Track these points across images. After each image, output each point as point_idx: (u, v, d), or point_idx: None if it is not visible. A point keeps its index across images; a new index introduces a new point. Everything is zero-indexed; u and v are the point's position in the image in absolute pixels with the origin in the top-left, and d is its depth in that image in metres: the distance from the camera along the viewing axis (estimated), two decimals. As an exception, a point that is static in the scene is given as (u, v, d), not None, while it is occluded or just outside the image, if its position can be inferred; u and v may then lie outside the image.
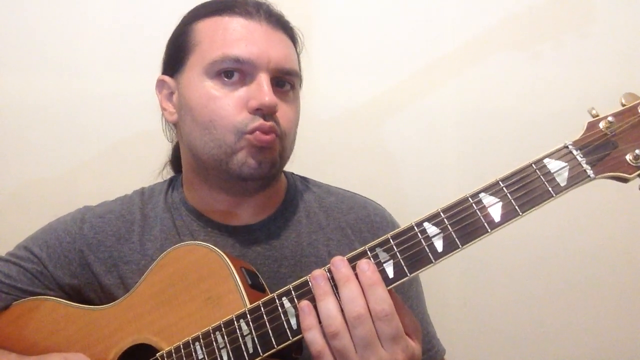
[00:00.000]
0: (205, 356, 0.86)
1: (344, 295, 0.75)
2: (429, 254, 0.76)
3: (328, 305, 0.76)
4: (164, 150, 1.24)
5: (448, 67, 1.52)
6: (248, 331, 0.83)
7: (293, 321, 0.80)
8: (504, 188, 0.75)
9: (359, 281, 0.76)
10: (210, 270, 0.92)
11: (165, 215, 1.11)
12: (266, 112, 0.96)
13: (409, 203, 1.55)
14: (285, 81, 1.02)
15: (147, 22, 1.49)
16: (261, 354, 0.81)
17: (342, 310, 0.75)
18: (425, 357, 1.05)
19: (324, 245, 1.09)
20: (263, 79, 0.96)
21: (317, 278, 0.78)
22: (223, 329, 0.85)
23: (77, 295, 1.09)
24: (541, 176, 0.74)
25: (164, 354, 0.90)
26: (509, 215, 0.74)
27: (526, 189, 0.74)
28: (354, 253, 0.79)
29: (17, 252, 1.11)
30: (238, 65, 0.97)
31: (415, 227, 0.77)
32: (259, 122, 0.96)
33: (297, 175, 1.20)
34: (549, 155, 0.75)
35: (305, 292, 0.80)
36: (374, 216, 1.14)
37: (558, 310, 1.56)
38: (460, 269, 1.58)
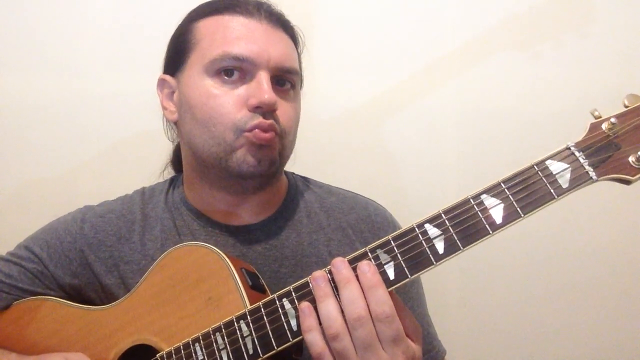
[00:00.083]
0: (206, 357, 0.86)
1: (345, 297, 0.75)
2: (430, 255, 0.75)
3: (328, 306, 0.76)
4: (165, 150, 1.24)
5: (448, 67, 1.52)
6: (248, 332, 0.82)
7: (293, 322, 0.80)
8: (505, 189, 0.74)
9: (359, 283, 0.76)
10: (210, 270, 0.92)
11: (165, 215, 1.11)
12: (266, 110, 0.96)
13: (409, 203, 1.55)
14: (285, 80, 1.03)
15: (147, 22, 1.49)
16: (261, 355, 0.81)
17: (342, 312, 0.75)
18: (425, 358, 1.05)
19: (324, 245, 1.09)
20: (263, 77, 0.97)
21: (318, 279, 0.78)
22: (223, 329, 0.85)
23: (77, 295, 1.09)
24: (543, 178, 0.73)
25: (164, 355, 0.90)
26: (510, 217, 0.73)
27: (528, 191, 0.73)
28: (354, 254, 0.79)
29: (18, 252, 1.11)
30: (238, 63, 0.97)
31: (416, 229, 0.77)
32: (258, 120, 0.96)
33: (298, 175, 1.20)
34: (551, 157, 0.74)
35: (306, 293, 0.80)
36: (375, 216, 1.14)
37: (558, 310, 1.56)
38: (460, 269, 1.58)
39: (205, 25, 1.02)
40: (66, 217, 1.14)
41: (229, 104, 0.97)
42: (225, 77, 0.98)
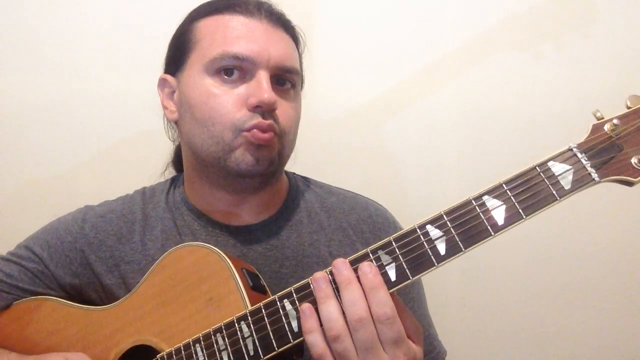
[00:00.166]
0: (206, 358, 0.85)
1: (346, 298, 0.75)
2: (432, 257, 0.75)
3: (329, 308, 0.76)
4: (165, 150, 1.24)
5: (449, 67, 1.51)
6: (249, 333, 0.82)
7: (294, 324, 0.79)
8: (507, 191, 0.74)
9: (360, 284, 0.75)
10: (211, 271, 0.92)
11: (166, 215, 1.11)
12: (265, 110, 0.96)
13: (409, 203, 1.55)
14: (285, 79, 1.03)
15: (147, 22, 1.49)
16: (262, 356, 0.81)
17: (343, 313, 0.75)
18: (426, 359, 1.05)
19: (325, 245, 1.09)
20: (262, 77, 0.97)
21: (319, 280, 0.78)
22: (224, 330, 0.85)
23: (78, 294, 1.09)
24: (545, 179, 0.73)
25: (165, 356, 0.90)
26: (512, 218, 0.73)
27: (530, 192, 0.73)
28: (355, 255, 0.79)
29: (18, 252, 1.11)
30: (238, 62, 0.97)
31: (417, 230, 0.77)
32: (257, 120, 0.96)
33: (298, 175, 1.20)
34: (553, 158, 0.74)
35: (307, 294, 0.80)
36: (375, 217, 1.14)
37: (558, 310, 1.56)
38: (460, 269, 1.57)
39: (205, 25, 1.02)
40: (67, 217, 1.14)
41: (228, 104, 0.97)
42: (225, 77, 0.98)
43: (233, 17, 1.01)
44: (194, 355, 0.87)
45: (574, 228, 1.52)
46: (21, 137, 1.51)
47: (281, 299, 0.81)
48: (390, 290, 0.76)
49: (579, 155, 0.73)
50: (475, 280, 1.57)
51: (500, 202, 0.74)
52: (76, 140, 1.52)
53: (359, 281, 0.76)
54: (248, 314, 0.83)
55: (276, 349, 0.80)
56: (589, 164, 0.73)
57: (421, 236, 0.76)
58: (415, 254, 0.76)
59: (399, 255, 0.77)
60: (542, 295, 1.56)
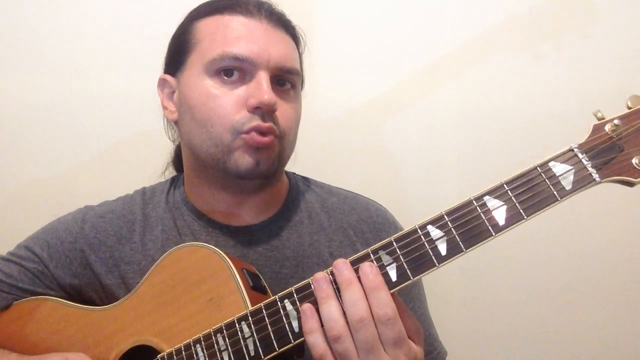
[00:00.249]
0: (207, 358, 0.85)
1: (347, 299, 0.75)
2: (433, 257, 0.75)
3: (330, 308, 0.76)
4: (165, 150, 1.24)
5: (449, 67, 1.51)
6: (249, 333, 0.82)
7: (295, 324, 0.79)
8: (508, 191, 0.74)
9: (361, 284, 0.75)
10: (211, 271, 0.92)
11: (166, 215, 1.10)
12: (265, 111, 0.96)
13: (409, 203, 1.55)
14: (285, 80, 1.02)
15: (147, 22, 1.49)
16: (263, 356, 0.81)
17: (344, 314, 0.75)
18: (427, 359, 1.05)
19: (325, 246, 1.09)
20: (262, 77, 0.96)
21: (320, 281, 0.78)
22: (224, 331, 0.85)
23: (78, 295, 1.09)
24: (546, 179, 0.73)
25: (165, 356, 0.90)
26: (513, 218, 0.73)
27: (531, 193, 0.73)
28: (356, 256, 0.78)
29: (18, 252, 1.11)
30: (237, 63, 0.97)
31: (418, 230, 0.77)
32: (256, 122, 0.96)
33: (298, 175, 1.20)
34: (554, 159, 0.74)
35: (308, 294, 0.79)
36: (376, 217, 1.14)
37: (558, 311, 1.56)
38: (460, 269, 1.57)
39: (205, 25, 1.02)
40: (66, 217, 1.14)
41: (228, 105, 0.97)
42: (225, 77, 0.98)
43: (233, 17, 1.00)
44: (194, 355, 0.87)
45: (574, 228, 1.52)
46: (21, 137, 1.51)
47: (282, 299, 0.81)
48: (391, 291, 0.76)
49: (580, 155, 0.73)
50: (475, 280, 1.57)
51: (501, 203, 0.74)
52: (76, 140, 1.52)
53: (360, 281, 0.75)
54: (249, 314, 0.83)
55: (277, 349, 0.80)
56: (590, 165, 0.73)
57: (422, 236, 0.76)
58: (416, 254, 0.76)
59: (400, 256, 0.77)
60: (542, 295, 1.56)
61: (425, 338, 1.00)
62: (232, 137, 0.96)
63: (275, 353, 0.80)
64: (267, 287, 0.93)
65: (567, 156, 0.74)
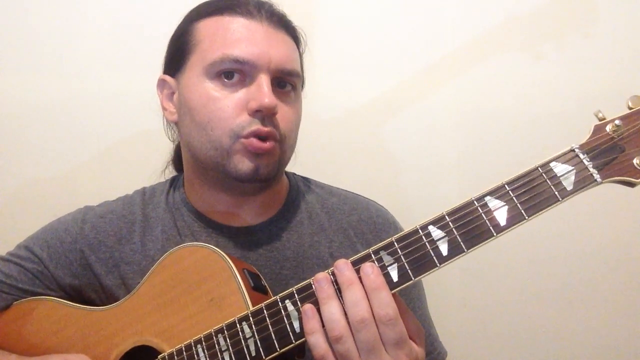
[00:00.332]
0: (208, 358, 0.85)
1: (348, 299, 0.75)
2: (434, 257, 0.75)
3: (331, 308, 0.76)
4: (165, 150, 1.24)
5: (449, 67, 1.51)
6: (250, 334, 0.82)
7: (296, 324, 0.79)
8: (509, 192, 0.74)
9: (362, 285, 0.75)
10: (212, 271, 0.92)
11: (166, 215, 1.10)
12: (266, 114, 0.95)
13: (410, 203, 1.55)
14: (286, 82, 1.02)
15: (147, 22, 1.48)
16: (264, 357, 0.81)
17: (345, 314, 0.75)
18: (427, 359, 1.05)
19: (326, 246, 1.09)
20: (263, 80, 0.96)
21: (321, 281, 0.78)
22: (225, 331, 0.85)
23: (77, 295, 1.09)
24: (547, 180, 0.73)
25: (166, 356, 0.90)
26: (514, 219, 0.73)
27: (532, 193, 0.73)
28: (357, 256, 0.79)
29: (18, 252, 1.10)
30: (238, 66, 0.96)
31: (420, 231, 0.77)
32: (256, 126, 0.95)
33: (299, 175, 1.20)
34: (555, 159, 0.74)
35: (309, 295, 0.79)
36: (376, 217, 1.14)
37: (558, 311, 1.56)
38: (460, 269, 1.57)
39: (205, 26, 1.01)
40: (66, 218, 1.14)
41: (228, 108, 0.96)
42: (225, 80, 0.97)
43: (233, 18, 0.99)
44: (195, 356, 0.86)
45: (574, 228, 1.52)
46: (21, 137, 1.51)
47: (283, 299, 0.81)
48: (392, 291, 0.76)
49: (581, 156, 0.73)
50: (475, 280, 1.57)
51: (502, 203, 0.74)
52: (76, 140, 1.52)
53: (361, 282, 0.76)
54: (250, 315, 0.83)
55: (278, 349, 0.80)
56: (591, 165, 0.73)
57: (423, 237, 0.76)
58: (417, 255, 0.76)
59: (401, 256, 0.77)
60: (542, 295, 1.56)
61: (425, 338, 1.00)
62: (232, 141, 0.96)
63: (277, 353, 0.80)
64: (267, 287, 0.93)
65: (568, 156, 0.74)
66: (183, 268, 0.95)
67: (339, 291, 0.77)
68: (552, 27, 1.47)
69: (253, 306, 0.84)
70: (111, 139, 1.53)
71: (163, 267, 0.98)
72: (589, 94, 1.43)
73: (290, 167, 1.11)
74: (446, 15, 1.50)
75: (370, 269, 0.76)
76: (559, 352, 1.57)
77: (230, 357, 0.83)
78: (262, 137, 0.96)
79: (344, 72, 1.53)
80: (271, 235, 1.08)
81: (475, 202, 0.75)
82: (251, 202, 1.07)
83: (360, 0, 1.52)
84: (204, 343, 0.86)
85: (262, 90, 0.95)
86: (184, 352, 0.88)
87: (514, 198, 0.74)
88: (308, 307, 0.77)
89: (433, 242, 0.76)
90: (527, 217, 0.73)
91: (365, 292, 0.75)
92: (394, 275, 0.76)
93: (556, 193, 0.73)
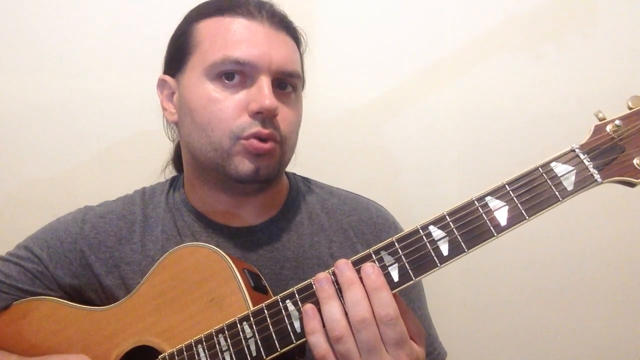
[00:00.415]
0: (208, 359, 0.85)
1: (348, 299, 0.75)
2: (435, 257, 0.75)
3: (332, 308, 0.76)
4: (165, 150, 1.24)
5: (449, 67, 1.52)
6: (251, 334, 0.82)
7: (297, 324, 0.79)
8: (510, 192, 0.74)
9: (363, 285, 0.75)
10: (212, 271, 0.92)
11: (166, 215, 1.10)
12: (266, 116, 0.95)
13: (410, 203, 1.55)
14: (287, 83, 1.01)
15: (147, 22, 1.48)
16: (264, 357, 0.81)
17: (346, 314, 0.75)
18: (427, 360, 1.05)
19: (326, 247, 1.09)
20: (264, 82, 0.95)
21: (321, 281, 0.78)
22: (226, 331, 0.85)
23: (77, 295, 1.08)
24: (548, 180, 0.73)
25: (167, 356, 0.90)
26: (515, 219, 0.73)
27: (533, 193, 0.73)
28: (358, 256, 0.79)
29: (18, 252, 1.10)
30: (239, 67, 0.96)
31: (420, 231, 0.77)
32: (256, 128, 0.95)
33: (299, 176, 1.20)
34: (555, 159, 0.74)
35: (309, 295, 0.79)
36: (376, 218, 1.14)
37: (558, 311, 1.57)
38: (460, 269, 1.58)
39: (205, 27, 1.01)
40: (66, 218, 1.13)
41: (229, 109, 0.96)
42: (226, 81, 0.97)
43: (234, 19, 0.99)
44: (196, 356, 0.87)
45: (574, 228, 1.52)
46: (21, 137, 1.51)
47: (283, 299, 0.81)
48: (393, 291, 0.76)
49: (582, 156, 0.74)
50: (475, 280, 1.58)
51: (503, 203, 0.74)
52: (76, 140, 1.52)
53: (362, 282, 0.76)
54: (250, 315, 0.83)
55: (279, 349, 0.80)
56: (592, 165, 0.73)
57: (424, 237, 0.76)
58: (418, 255, 0.76)
59: (402, 256, 0.77)
60: (542, 295, 1.56)
61: (425, 339, 1.01)
62: (232, 143, 0.96)
63: (277, 353, 0.80)
64: (268, 287, 0.93)
65: (569, 157, 0.74)
66: (183, 268, 0.95)
67: (339, 291, 0.77)
68: (552, 27, 1.47)
69: (253, 306, 0.84)
70: (111, 139, 1.53)
71: (163, 267, 0.98)
72: (589, 94, 1.43)
73: (290, 168, 1.11)
74: (446, 15, 1.50)
75: (371, 269, 0.76)
76: (559, 352, 1.57)
77: (231, 357, 0.83)
78: (262, 139, 0.96)
79: (344, 72, 1.53)
80: (271, 235, 1.08)
81: (475, 202, 0.75)
82: (251, 202, 1.07)
83: (360, 0, 1.52)
84: (204, 343, 0.86)
85: (262, 92, 0.94)
86: (185, 352, 0.88)
87: (514, 198, 0.74)
88: (309, 307, 0.77)
89: (434, 242, 0.76)
90: (527, 217, 0.73)
91: (366, 292, 0.75)
92: (395, 275, 0.77)
93: (557, 193, 0.73)
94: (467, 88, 1.51)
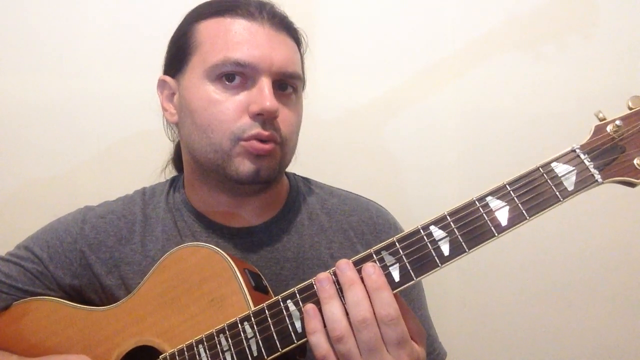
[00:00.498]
0: (209, 359, 0.85)
1: (349, 299, 0.75)
2: (436, 257, 0.75)
3: (333, 308, 0.76)
4: (165, 150, 1.24)
5: (449, 67, 1.52)
6: (252, 334, 0.82)
7: (298, 324, 0.79)
8: (511, 192, 0.74)
9: (364, 285, 0.75)
10: (213, 271, 0.92)
11: (166, 215, 1.10)
12: (267, 117, 0.95)
13: (410, 204, 1.55)
14: (287, 84, 1.01)
15: (147, 22, 1.48)
16: (265, 357, 0.81)
17: (347, 314, 0.75)
18: (427, 360, 1.05)
19: (326, 247, 1.09)
20: (264, 83, 0.95)
21: (322, 281, 0.78)
22: (227, 331, 0.85)
23: (78, 295, 1.08)
24: (548, 180, 0.74)
25: (167, 356, 0.90)
26: (516, 219, 0.74)
27: (533, 193, 0.74)
28: (359, 256, 0.79)
29: (18, 252, 1.10)
30: (239, 68, 0.96)
31: (421, 231, 0.77)
32: (257, 130, 0.95)
33: (299, 176, 1.20)
34: (556, 159, 0.75)
35: (310, 295, 0.79)
36: (376, 218, 1.14)
37: (558, 310, 1.57)
38: (460, 269, 1.58)
39: (206, 28, 1.00)
40: (66, 218, 1.13)
41: (229, 111, 0.96)
42: (227, 82, 0.97)
43: (235, 20, 0.99)
44: (197, 356, 0.86)
45: (574, 228, 1.52)
46: (21, 137, 1.51)
47: (284, 299, 0.81)
48: (394, 291, 0.76)
49: (582, 156, 0.74)
50: (475, 280, 1.58)
51: (503, 203, 0.74)
52: (76, 140, 1.52)
53: (363, 282, 0.76)
54: (251, 315, 0.83)
55: (280, 349, 0.80)
56: (592, 165, 0.73)
57: (425, 237, 0.76)
58: (418, 255, 0.76)
59: (403, 256, 0.77)
60: (542, 295, 1.56)
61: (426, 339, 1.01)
62: (232, 144, 0.96)
63: (278, 353, 0.80)
64: (268, 287, 0.93)
65: (569, 157, 0.74)
66: (184, 268, 0.95)
67: (340, 291, 0.77)
68: (552, 27, 1.47)
69: (254, 306, 0.84)
70: (111, 139, 1.53)
71: (164, 267, 0.97)
72: (589, 94, 1.44)
73: (290, 168, 1.11)
74: (446, 15, 1.50)
75: (371, 269, 0.76)
76: (559, 352, 1.57)
77: (232, 357, 0.83)
78: (262, 140, 0.96)
79: (344, 72, 1.53)
80: (271, 235, 1.08)
81: (476, 202, 0.76)
82: (251, 202, 1.07)
83: (360, 0, 1.52)
84: (205, 343, 0.86)
85: (263, 94, 0.94)
86: (186, 352, 0.88)
87: (515, 198, 0.74)
88: (310, 307, 0.77)
89: (435, 242, 0.76)
90: (528, 218, 0.73)
91: (367, 292, 0.75)
92: (396, 275, 0.77)
93: (557, 193, 0.73)
94: (467, 88, 1.51)
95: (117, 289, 1.05)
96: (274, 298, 0.82)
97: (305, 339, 0.78)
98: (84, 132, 1.52)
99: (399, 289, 0.76)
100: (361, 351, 0.74)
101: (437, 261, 0.75)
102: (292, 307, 0.80)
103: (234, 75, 0.96)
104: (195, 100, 0.98)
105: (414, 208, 1.53)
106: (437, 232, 0.76)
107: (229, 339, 0.84)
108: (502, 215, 0.74)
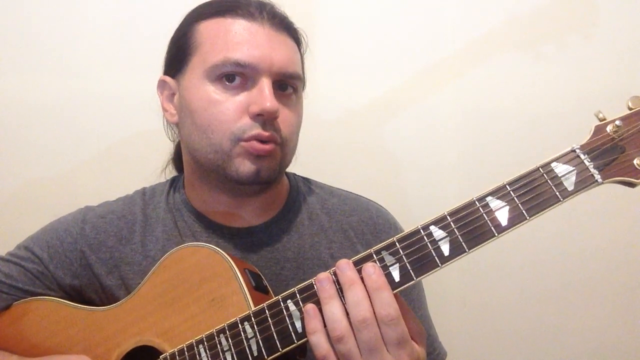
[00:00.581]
0: (210, 359, 0.85)
1: (349, 299, 0.75)
2: (436, 257, 0.75)
3: (333, 308, 0.76)
4: (165, 150, 1.24)
5: (449, 67, 1.52)
6: (252, 334, 0.82)
7: (298, 324, 0.79)
8: (511, 192, 0.74)
9: (364, 285, 0.75)
10: (213, 271, 0.92)
11: (167, 216, 1.10)
12: (267, 118, 0.95)
13: (410, 204, 1.55)
14: (287, 85, 1.01)
15: (147, 22, 1.48)
16: (266, 357, 0.81)
17: (347, 314, 0.75)
18: (427, 360, 1.05)
19: (326, 247, 1.09)
20: (265, 84, 0.95)
21: (323, 281, 0.78)
22: (227, 331, 0.85)
23: (78, 295, 1.08)
24: (548, 180, 0.74)
25: (168, 356, 0.90)
26: (516, 219, 0.74)
27: (533, 193, 0.74)
28: (359, 256, 0.79)
29: (18, 252, 1.10)
30: (240, 69, 0.96)
31: (421, 231, 0.77)
32: (257, 130, 0.95)
33: (299, 176, 1.20)
34: (556, 159, 0.75)
35: (310, 295, 0.79)
36: (376, 218, 1.14)
37: (558, 310, 1.57)
38: (460, 269, 1.58)
39: (206, 28, 1.00)
40: (66, 218, 1.13)
41: (229, 111, 0.96)
42: (227, 83, 0.97)
43: (235, 20, 0.99)
44: (197, 356, 0.86)
45: (574, 228, 1.52)
46: (21, 137, 1.51)
47: (285, 299, 0.81)
48: (394, 291, 0.76)
49: (582, 156, 0.74)
50: (475, 280, 1.58)
51: (503, 203, 0.74)
52: (76, 140, 1.52)
53: (363, 282, 0.76)
54: (251, 315, 0.83)
55: (280, 349, 0.80)
56: (592, 165, 0.73)
57: (425, 237, 0.76)
58: (419, 255, 0.76)
59: (403, 256, 0.77)
60: (542, 295, 1.56)
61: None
62: (232, 145, 0.96)
63: (279, 353, 0.80)
64: (269, 287, 0.93)
65: (569, 157, 0.74)
66: (184, 268, 0.95)
67: (340, 291, 0.77)
68: (552, 27, 1.47)
69: (255, 306, 0.84)
70: (111, 139, 1.53)
71: (164, 267, 0.97)
72: (589, 94, 1.44)
73: (290, 168, 1.11)
74: (446, 15, 1.50)
75: (372, 269, 0.76)
76: (559, 352, 1.58)
77: (232, 357, 0.83)
78: (262, 141, 0.96)
79: (344, 72, 1.53)
80: (271, 236, 1.08)
81: (476, 202, 0.76)
82: (252, 203, 1.07)
83: (360, 0, 1.52)
84: (205, 343, 0.86)
85: (263, 94, 0.94)
86: (186, 352, 0.88)
87: (515, 198, 0.74)
88: (310, 307, 0.77)
89: (435, 242, 0.76)
90: (528, 218, 0.73)
91: (367, 292, 0.75)
92: (396, 275, 0.77)
93: (557, 193, 0.73)
94: (467, 88, 1.51)
95: (117, 289, 1.05)
96: (274, 298, 0.82)
97: (305, 339, 0.78)
98: (84, 132, 1.52)
99: (399, 289, 0.76)
100: (361, 351, 0.74)
101: (437, 261, 0.75)
102: (292, 307, 0.80)
103: (234, 76, 0.96)
104: (196, 100, 0.98)
105: (414, 208, 1.53)
106: (437, 232, 0.76)
107: (229, 339, 0.84)
108: (502, 215, 0.74)
